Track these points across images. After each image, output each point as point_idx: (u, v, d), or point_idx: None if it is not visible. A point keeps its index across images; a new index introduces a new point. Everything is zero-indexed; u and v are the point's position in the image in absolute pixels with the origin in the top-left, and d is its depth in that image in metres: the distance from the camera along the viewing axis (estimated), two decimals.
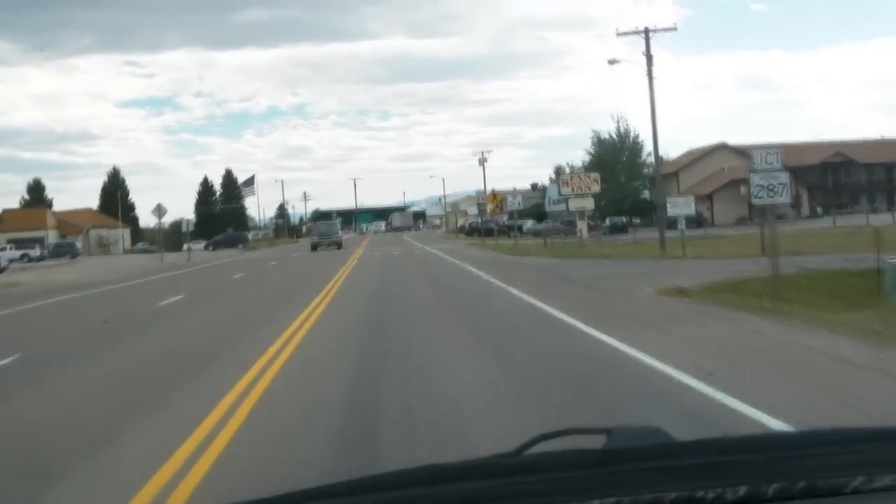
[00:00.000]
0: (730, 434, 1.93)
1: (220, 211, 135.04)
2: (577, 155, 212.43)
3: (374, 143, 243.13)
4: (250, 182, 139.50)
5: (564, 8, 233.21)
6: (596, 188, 52.02)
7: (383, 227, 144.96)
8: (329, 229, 61.03)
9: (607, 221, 78.08)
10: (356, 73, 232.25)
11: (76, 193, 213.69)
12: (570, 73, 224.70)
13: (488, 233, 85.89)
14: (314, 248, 54.98)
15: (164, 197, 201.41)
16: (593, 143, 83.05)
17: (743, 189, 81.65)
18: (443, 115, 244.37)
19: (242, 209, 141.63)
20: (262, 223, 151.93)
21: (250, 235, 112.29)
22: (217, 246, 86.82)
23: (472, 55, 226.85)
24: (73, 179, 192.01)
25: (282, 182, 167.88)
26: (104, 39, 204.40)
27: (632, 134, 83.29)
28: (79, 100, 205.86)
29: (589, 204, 52.71)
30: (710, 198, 76.93)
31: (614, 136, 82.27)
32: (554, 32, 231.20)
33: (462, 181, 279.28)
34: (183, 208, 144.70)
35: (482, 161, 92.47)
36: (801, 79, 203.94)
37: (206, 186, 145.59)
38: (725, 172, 79.24)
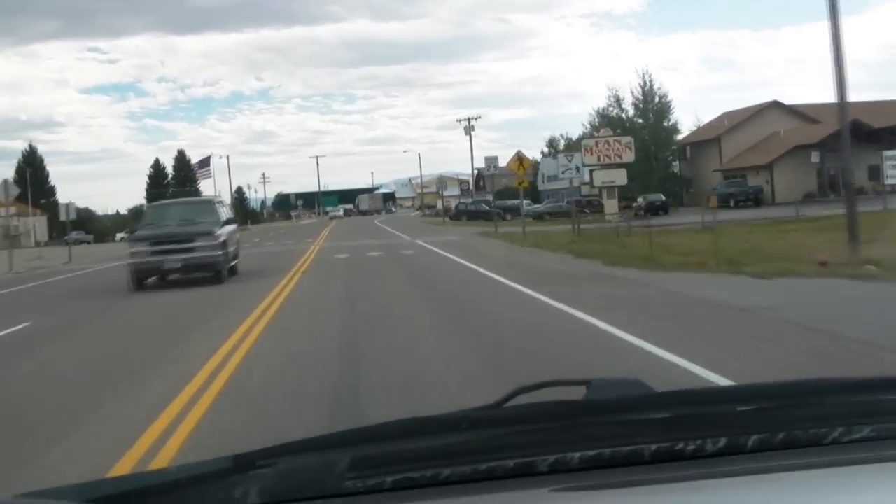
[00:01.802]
0: (709, 386, 1.64)
1: (172, 195, 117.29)
2: (543, 135, 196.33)
3: (339, 126, 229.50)
4: (206, 163, 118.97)
5: None
6: (629, 156, 35.82)
7: (341, 212, 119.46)
8: (184, 216, 20.79)
9: (640, 200, 58.96)
10: (320, 57, 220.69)
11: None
12: (535, 56, 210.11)
13: (479, 215, 66.61)
14: (139, 280, 19.27)
15: (129, 183, 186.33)
16: (610, 104, 63.13)
17: (814, 157, 62.10)
18: (408, 97, 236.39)
19: (196, 193, 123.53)
20: None
21: None
22: None
23: (435, 38, 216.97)
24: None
25: (227, 157, 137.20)
26: (65, 25, 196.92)
27: (657, 92, 63.62)
28: (42, 86, 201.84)
29: (620, 177, 36.03)
30: (769, 168, 57.83)
31: (638, 96, 62.49)
32: (517, 14, 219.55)
33: (429, 164, 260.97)
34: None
35: (469, 129, 72.86)
36: (768, 58, 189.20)
37: (157, 169, 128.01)
38: (782, 136, 60.09)
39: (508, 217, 64.91)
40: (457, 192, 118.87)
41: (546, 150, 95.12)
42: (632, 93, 61.94)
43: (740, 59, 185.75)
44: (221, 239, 19.48)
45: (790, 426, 1.45)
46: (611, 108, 62.32)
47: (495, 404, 1.60)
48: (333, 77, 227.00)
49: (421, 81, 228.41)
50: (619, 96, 61.84)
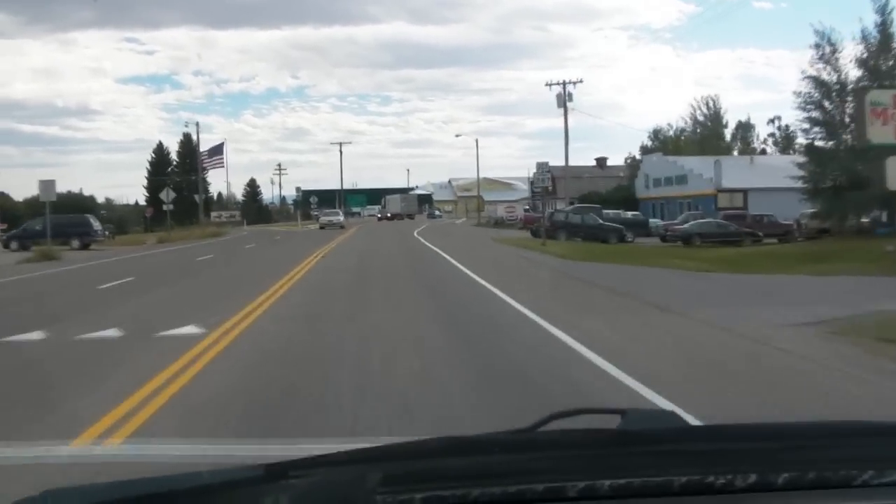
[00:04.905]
0: (741, 422, 1.76)
1: (176, 184, 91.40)
2: (577, 146, 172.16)
3: (374, 128, 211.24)
4: (218, 150, 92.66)
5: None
6: None
7: (341, 217, 73.55)
8: None
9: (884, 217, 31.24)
10: (357, 58, 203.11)
11: (71, 168, 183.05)
12: (572, 66, 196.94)
13: (581, 232, 39.70)
14: None
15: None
16: (819, 56, 34.53)
17: None
18: (443, 102, 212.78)
19: (202, 183, 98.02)
20: (231, 201, 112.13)
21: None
22: (25, 241, 39.17)
23: (473, 43, 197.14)
24: (71, 154, 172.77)
25: (223, 141, 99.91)
26: (103, 14, 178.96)
27: None
28: (78, 74, 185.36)
29: None
30: None
31: (872, 41, 33.86)
32: (556, 24, 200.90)
33: (464, 170, 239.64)
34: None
35: (564, 98, 45.96)
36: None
37: (160, 155, 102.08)
38: None
39: (630, 238, 38.52)
40: (510, 196, 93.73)
41: (647, 143, 67.20)
42: (863, 35, 33.09)
43: (778, 78, 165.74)
44: None
45: (821, 466, 1.39)
46: (818, 64, 33.84)
47: (529, 428, 1.56)
48: (369, 78, 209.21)
49: (456, 86, 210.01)
50: (833, 45, 33.48)
